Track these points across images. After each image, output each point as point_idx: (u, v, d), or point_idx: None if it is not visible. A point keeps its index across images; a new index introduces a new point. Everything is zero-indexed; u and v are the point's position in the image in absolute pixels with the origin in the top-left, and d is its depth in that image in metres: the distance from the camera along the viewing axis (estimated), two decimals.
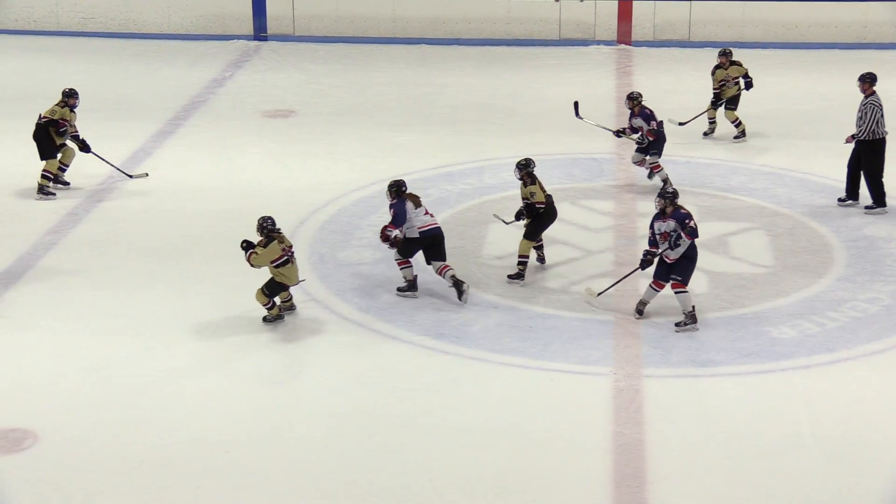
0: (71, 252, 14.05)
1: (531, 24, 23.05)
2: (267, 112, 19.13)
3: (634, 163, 15.75)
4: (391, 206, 12.71)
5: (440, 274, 12.81)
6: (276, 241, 12.09)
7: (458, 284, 12.75)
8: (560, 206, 13.55)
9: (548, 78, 20.93)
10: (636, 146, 15.59)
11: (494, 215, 13.88)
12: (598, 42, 22.80)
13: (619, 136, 16.02)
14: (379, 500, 9.53)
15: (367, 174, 16.31)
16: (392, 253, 12.94)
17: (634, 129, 15.59)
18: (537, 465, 9.93)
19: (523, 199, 13.20)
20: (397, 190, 12.70)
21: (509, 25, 23.10)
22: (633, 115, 15.58)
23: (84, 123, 17.76)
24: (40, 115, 15.54)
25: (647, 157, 15.53)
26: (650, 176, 15.71)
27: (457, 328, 12.24)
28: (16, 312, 12.52)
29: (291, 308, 12.51)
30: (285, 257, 12.14)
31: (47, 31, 23.70)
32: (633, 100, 15.51)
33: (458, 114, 18.88)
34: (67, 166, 15.80)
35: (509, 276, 13.21)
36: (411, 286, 12.96)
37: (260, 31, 23.44)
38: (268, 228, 12.10)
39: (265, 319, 12.26)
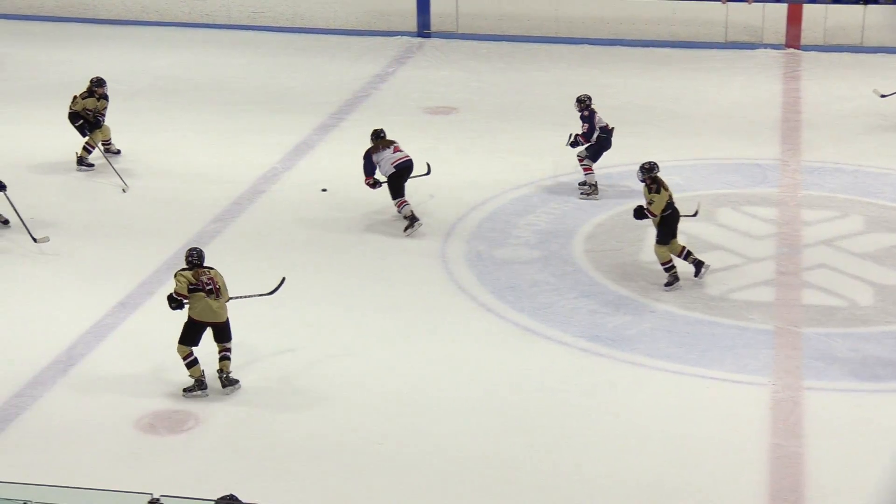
0: (237, 238, 14.36)
1: (696, 25, 22.74)
2: (428, 108, 19.26)
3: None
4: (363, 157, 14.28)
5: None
6: (190, 272, 10.82)
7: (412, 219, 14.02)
8: (721, 212, 13.37)
9: (712, 81, 20.61)
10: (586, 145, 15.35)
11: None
12: (766, 46, 22.35)
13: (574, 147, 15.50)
14: (531, 499, 9.52)
15: (526, 173, 16.29)
16: (548, 252, 12.89)
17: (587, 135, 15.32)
18: (692, 474, 9.79)
19: (647, 201, 12.99)
20: (375, 136, 14.35)
21: (674, 27, 22.82)
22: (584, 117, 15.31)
23: (250, 115, 18.25)
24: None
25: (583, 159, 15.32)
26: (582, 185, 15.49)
27: (612, 331, 12.15)
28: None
29: (229, 381, 10.99)
30: (199, 287, 10.79)
31: (219, 24, 24.26)
32: (581, 102, 15.31)
33: (619, 115, 18.65)
34: (109, 140, 16.64)
35: (665, 285, 13.01)
36: (413, 220, 14.19)
37: (423, 28, 23.60)
38: (192, 262, 10.93)
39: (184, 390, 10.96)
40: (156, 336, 11.85)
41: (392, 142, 14.38)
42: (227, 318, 11.02)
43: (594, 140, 15.40)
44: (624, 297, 12.80)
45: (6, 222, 14.56)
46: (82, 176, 16.20)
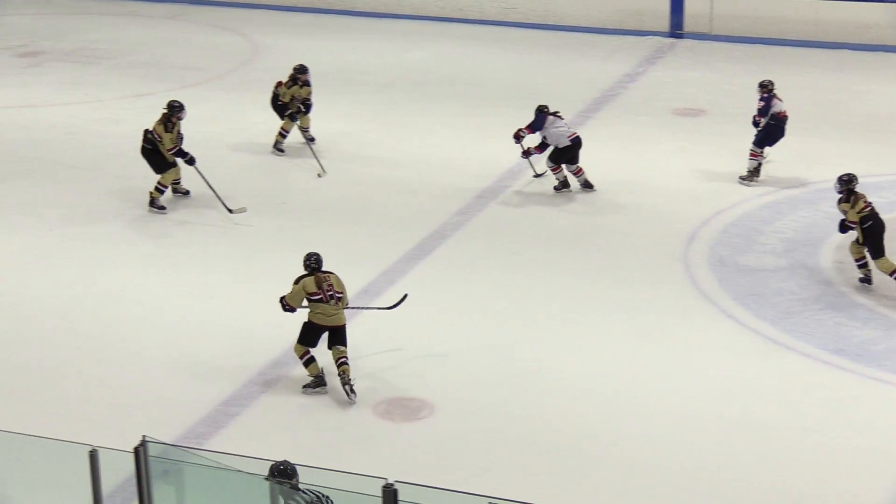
0: (479, 231, 14.50)
1: None
2: (677, 110, 18.99)
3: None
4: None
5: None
6: (311, 278, 10.94)
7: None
8: None
9: None
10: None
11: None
12: None
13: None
14: None
15: (774, 180, 15.87)
16: (794, 261, 12.54)
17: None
18: None
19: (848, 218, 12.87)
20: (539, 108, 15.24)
21: None
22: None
23: (498, 110, 18.36)
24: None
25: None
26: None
27: (858, 345, 11.72)
28: (421, 289, 13.03)
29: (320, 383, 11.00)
30: (319, 295, 10.91)
31: (471, 19, 24.51)
32: (763, 87, 15.73)
33: (877, 123, 18.02)
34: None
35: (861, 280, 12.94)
36: (564, 185, 15.41)
37: (676, 29, 23.27)
38: (310, 266, 11.02)
39: (304, 387, 11.05)
40: (393, 325, 12.07)
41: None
42: (345, 323, 10.99)
43: (762, 126, 15.66)
44: (873, 311, 12.35)
45: (187, 193, 15.21)
46: (332, 163, 16.62)
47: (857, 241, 12.84)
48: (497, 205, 15.30)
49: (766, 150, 15.90)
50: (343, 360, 10.88)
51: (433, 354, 11.63)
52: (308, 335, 10.98)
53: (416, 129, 18.18)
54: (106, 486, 7.61)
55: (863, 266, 12.89)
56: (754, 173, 15.70)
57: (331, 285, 10.93)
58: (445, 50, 22.65)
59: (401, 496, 6.80)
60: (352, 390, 10.78)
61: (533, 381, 11.18)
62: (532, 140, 15.73)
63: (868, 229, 12.63)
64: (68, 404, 10.82)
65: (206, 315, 12.51)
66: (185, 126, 15.21)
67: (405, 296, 11.81)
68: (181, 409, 10.69)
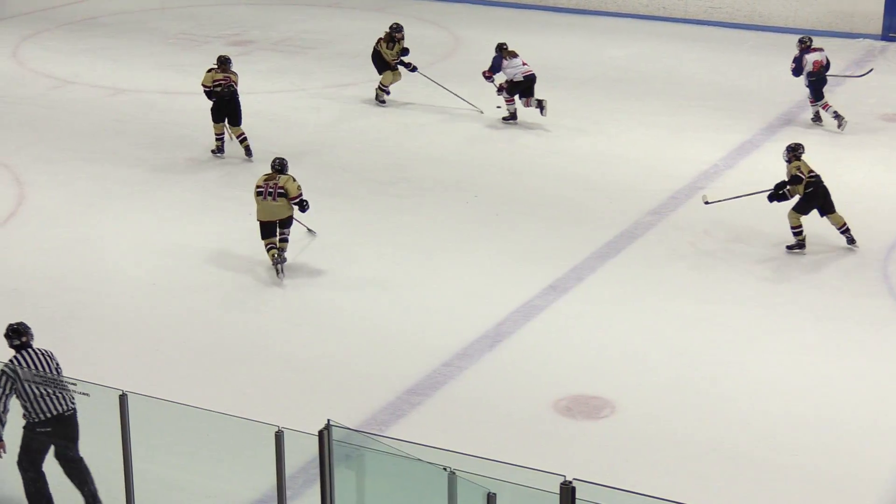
0: (670, 232, 14.34)
1: None
2: (884, 115, 18.39)
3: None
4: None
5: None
6: (264, 175, 13.20)
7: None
8: None
9: None
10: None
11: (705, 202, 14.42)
12: None
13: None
14: None
15: None
16: None
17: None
18: None
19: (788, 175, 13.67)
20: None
21: None
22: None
23: (697, 110, 18.13)
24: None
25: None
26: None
27: None
28: (610, 288, 12.96)
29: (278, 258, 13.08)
30: (262, 189, 13.05)
31: (675, 18, 24.23)
32: (801, 42, 17.53)
33: None
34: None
35: (788, 247, 13.66)
36: (513, 117, 17.46)
37: (889, 31, 22.54)
38: (273, 166, 13.31)
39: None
40: (579, 323, 12.04)
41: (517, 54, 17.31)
42: (289, 216, 13.14)
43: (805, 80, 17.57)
44: None
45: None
46: (525, 158, 16.65)
47: (794, 208, 13.60)
48: (690, 206, 15.09)
49: None
50: (283, 237, 13.17)
51: (618, 354, 11.57)
52: (264, 231, 13.15)
53: (612, 127, 18.06)
54: (289, 466, 7.79)
55: (798, 234, 13.63)
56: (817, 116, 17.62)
57: (276, 184, 13.02)
58: (647, 48, 22.44)
59: (578, 494, 6.78)
60: (282, 269, 13.04)
61: (717, 385, 11.00)
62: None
63: (811, 193, 13.51)
64: (257, 385, 11.12)
65: (394, 303, 12.69)
66: (393, 113, 15.40)
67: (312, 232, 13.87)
68: (365, 395, 10.87)
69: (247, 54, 21.84)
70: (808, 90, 17.75)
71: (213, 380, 11.19)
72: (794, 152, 13.74)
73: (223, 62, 16.86)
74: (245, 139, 16.62)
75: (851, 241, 13.72)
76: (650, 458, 9.96)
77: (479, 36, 23.14)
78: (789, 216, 13.64)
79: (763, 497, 9.48)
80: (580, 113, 18.61)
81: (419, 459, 7.50)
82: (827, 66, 17.55)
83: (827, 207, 13.64)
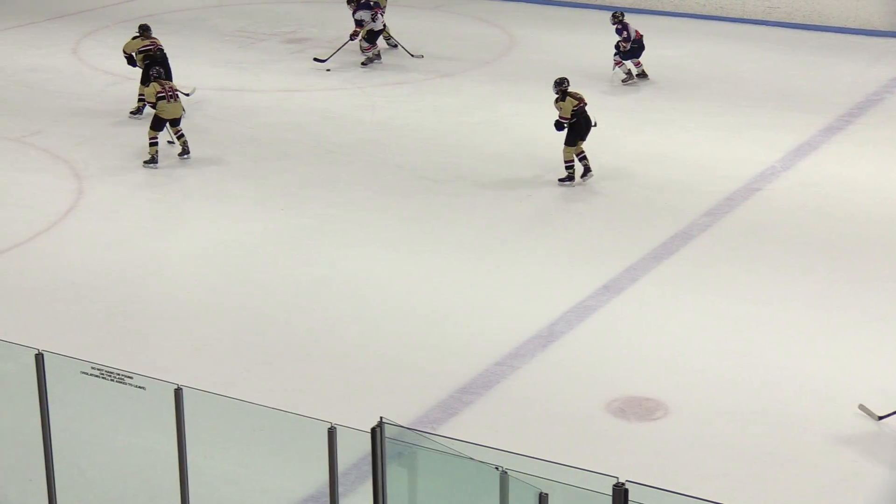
0: (724, 234, 14.25)
1: None
2: None
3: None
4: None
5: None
6: (155, 84, 16.22)
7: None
8: None
9: None
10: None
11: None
12: None
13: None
14: None
15: None
16: None
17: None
18: None
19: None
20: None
21: None
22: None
23: (754, 111, 18.03)
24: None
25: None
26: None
27: None
28: (663, 289, 12.90)
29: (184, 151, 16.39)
30: (164, 94, 16.05)
31: (732, 17, 24.06)
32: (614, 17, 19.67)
33: None
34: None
35: (559, 180, 15.59)
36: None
37: None
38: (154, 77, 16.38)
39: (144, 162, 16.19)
40: (633, 325, 12.00)
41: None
42: (180, 115, 16.44)
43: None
44: None
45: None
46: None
47: (566, 142, 15.52)
48: (746, 208, 14.98)
49: None
50: (180, 133, 16.48)
51: (672, 356, 11.51)
52: (158, 124, 16.18)
53: (668, 127, 17.98)
54: (342, 463, 7.82)
55: (579, 162, 15.62)
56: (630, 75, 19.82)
57: (172, 87, 16.24)
58: (704, 48, 22.31)
59: (631, 496, 6.75)
60: (187, 150, 16.42)
61: (773, 388, 10.91)
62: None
63: (576, 123, 15.42)
64: (310, 381, 11.17)
65: (449, 301, 12.71)
66: (449, 112, 15.41)
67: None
68: (418, 393, 10.90)
69: (301, 52, 21.94)
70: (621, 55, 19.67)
71: (268, 376, 11.25)
72: (560, 87, 15.51)
73: (145, 29, 18.11)
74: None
75: (588, 169, 15.64)
76: (704, 460, 9.90)
77: (535, 35, 23.11)
78: (564, 152, 15.58)
79: (820, 502, 9.40)
80: (636, 113, 18.54)
81: (471, 458, 7.49)
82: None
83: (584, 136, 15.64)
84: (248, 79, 20.43)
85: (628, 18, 19.81)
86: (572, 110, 15.46)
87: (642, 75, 19.92)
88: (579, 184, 15.64)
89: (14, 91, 19.85)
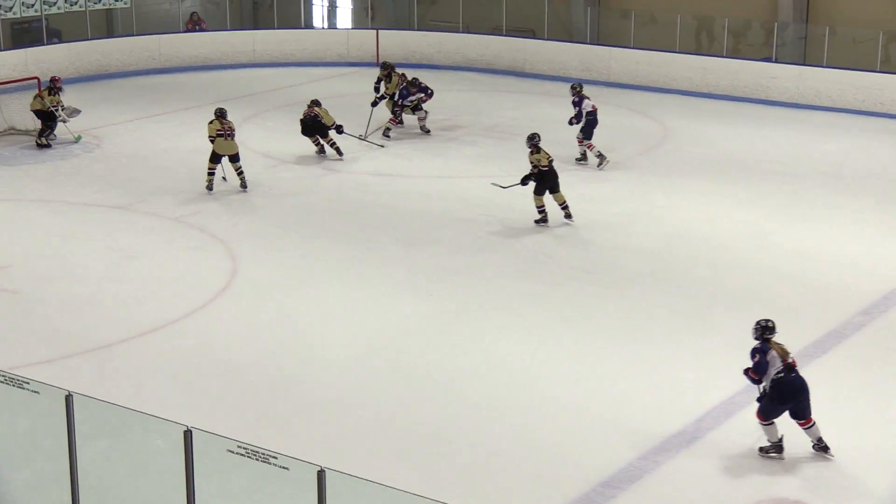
0: (881, 332, 13.88)
1: None
2: None
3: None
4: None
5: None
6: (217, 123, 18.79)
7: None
8: None
9: None
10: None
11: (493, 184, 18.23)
12: None
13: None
14: None
15: None
16: None
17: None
18: None
19: (532, 165, 17.34)
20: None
21: None
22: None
23: None
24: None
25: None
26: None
27: None
28: (815, 389, 12.61)
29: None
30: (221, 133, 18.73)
31: (892, 113, 23.66)
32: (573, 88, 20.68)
33: None
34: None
35: (535, 221, 17.41)
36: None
37: None
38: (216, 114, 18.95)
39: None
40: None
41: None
42: (236, 151, 18.98)
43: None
44: None
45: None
46: (730, 251, 16.41)
47: (535, 192, 17.30)
48: None
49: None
50: (240, 169, 19.14)
51: (822, 459, 11.18)
52: (215, 158, 18.85)
53: (824, 223, 17.68)
54: None
55: (542, 211, 17.43)
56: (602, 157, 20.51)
57: (230, 127, 18.76)
58: (862, 143, 21.96)
59: None
60: (244, 185, 19.14)
61: None
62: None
63: (545, 173, 17.23)
64: (455, 468, 11.14)
65: (595, 393, 12.59)
66: (599, 206, 15.36)
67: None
68: (561, 484, 10.79)
69: (455, 139, 22.20)
70: (580, 132, 20.39)
71: (411, 462, 11.26)
72: (532, 141, 17.34)
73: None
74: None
75: (569, 216, 17.47)
76: None
77: (689, 126, 23.03)
78: (534, 199, 17.39)
79: None
80: (792, 208, 18.27)
81: None
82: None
83: (554, 188, 17.37)
84: (405, 165, 20.78)
85: (784, 113, 19.60)
86: (548, 160, 17.27)
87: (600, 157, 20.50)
88: (708, 278, 15.45)
89: (176, 171, 20.49)
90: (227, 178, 19.33)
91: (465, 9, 29.92)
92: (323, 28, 32.74)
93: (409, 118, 22.89)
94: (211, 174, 19.17)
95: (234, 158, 19.09)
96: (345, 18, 34.04)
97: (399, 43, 29.40)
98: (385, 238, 17.18)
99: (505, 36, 28.94)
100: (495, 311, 14.66)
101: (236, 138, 19.13)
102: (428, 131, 22.62)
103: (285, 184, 19.66)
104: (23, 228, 17.72)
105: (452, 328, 14.16)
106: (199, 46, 29.33)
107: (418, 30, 30.00)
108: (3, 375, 9.21)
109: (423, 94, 22.57)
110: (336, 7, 33.95)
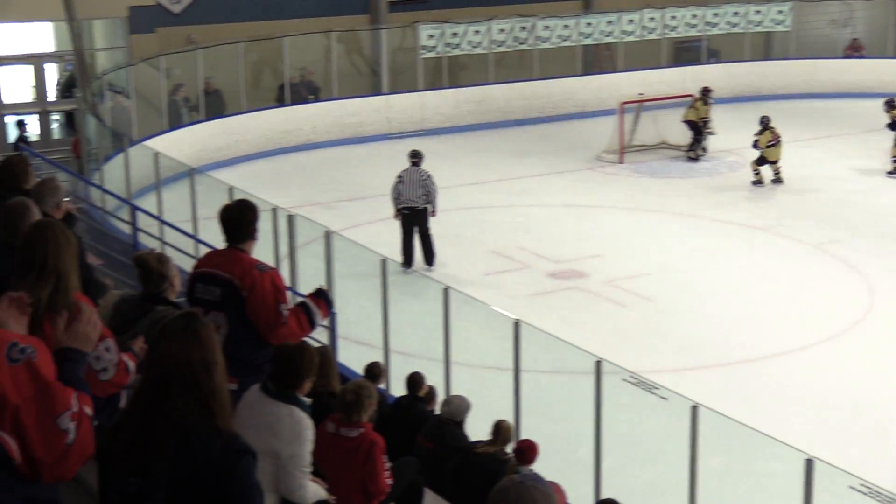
0: None
1: None
2: None
3: None
4: None
5: None
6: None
7: None
8: None
9: None
10: None
11: None
12: None
13: None
14: None
15: None
16: None
17: None
18: None
19: None
20: None
21: None
22: None
23: None
24: None
25: None
26: None
27: None
28: None
29: None
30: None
31: None
32: None
33: None
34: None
35: None
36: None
37: None
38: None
39: None
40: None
41: None
42: None
43: None
44: None
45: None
46: None
47: None
48: None
49: None
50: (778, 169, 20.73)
51: None
52: (760, 161, 20.37)
53: None
54: None
55: None
56: None
57: (777, 136, 20.32)
58: None
59: None
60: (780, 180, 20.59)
61: None
62: None
63: None
64: None
65: None
66: None
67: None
68: None
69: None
70: None
71: None
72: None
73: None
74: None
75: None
76: None
77: None
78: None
79: None
80: None
81: None
82: None
83: None
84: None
85: None
86: None
87: None
88: None
89: (816, 197, 20.43)
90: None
91: None
92: None
93: None
94: (756, 173, 20.97)
95: (776, 162, 20.83)
96: None
97: None
98: None
99: None
100: None
101: None
102: None
103: None
104: (664, 239, 18.36)
105: None
106: (857, 74, 28.74)
107: None
108: (634, 378, 9.60)
109: None
110: None
